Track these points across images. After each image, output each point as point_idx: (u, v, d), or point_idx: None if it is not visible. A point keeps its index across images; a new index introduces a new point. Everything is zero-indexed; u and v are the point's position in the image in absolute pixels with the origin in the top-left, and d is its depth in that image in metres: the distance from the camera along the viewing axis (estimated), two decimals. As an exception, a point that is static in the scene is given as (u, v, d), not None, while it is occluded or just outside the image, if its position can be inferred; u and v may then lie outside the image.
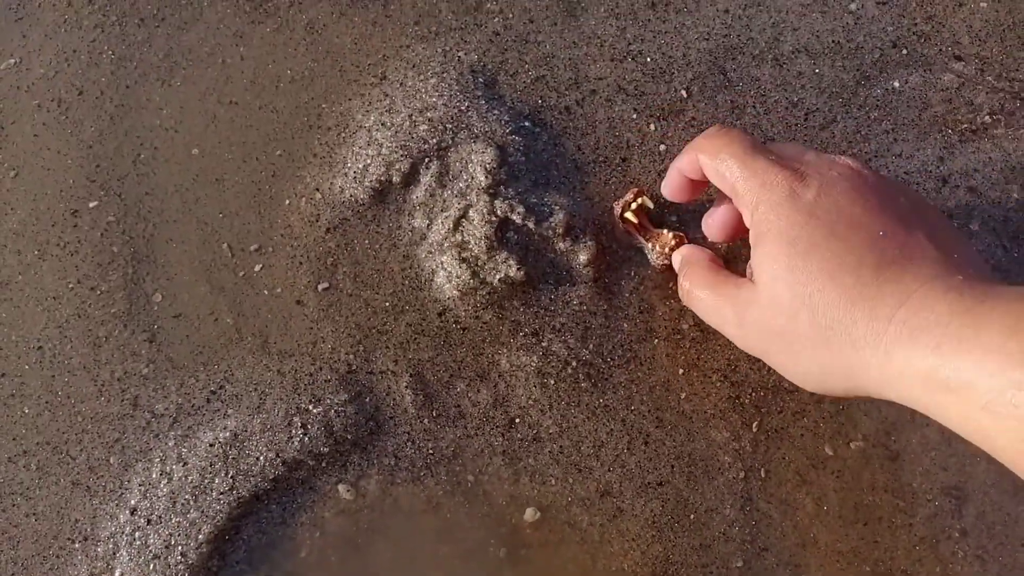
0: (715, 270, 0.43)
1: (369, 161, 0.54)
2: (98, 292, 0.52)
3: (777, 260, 0.34)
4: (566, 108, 0.56)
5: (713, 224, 0.48)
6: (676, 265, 0.50)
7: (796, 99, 0.57)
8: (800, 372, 0.36)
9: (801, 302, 0.33)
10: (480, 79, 0.56)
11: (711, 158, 0.40)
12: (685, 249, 0.50)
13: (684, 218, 0.54)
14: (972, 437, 0.32)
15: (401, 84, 0.56)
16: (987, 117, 0.57)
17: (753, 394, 0.52)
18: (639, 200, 0.52)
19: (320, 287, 0.53)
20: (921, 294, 0.31)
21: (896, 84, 0.58)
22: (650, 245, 0.53)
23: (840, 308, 0.32)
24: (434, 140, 0.53)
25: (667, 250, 0.52)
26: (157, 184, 0.55)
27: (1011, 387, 0.27)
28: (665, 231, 0.52)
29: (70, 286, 0.52)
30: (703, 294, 0.43)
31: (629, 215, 0.52)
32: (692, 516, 0.50)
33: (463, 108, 0.54)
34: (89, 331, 0.52)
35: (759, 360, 0.48)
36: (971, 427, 0.30)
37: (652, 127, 0.56)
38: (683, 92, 0.57)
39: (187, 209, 0.54)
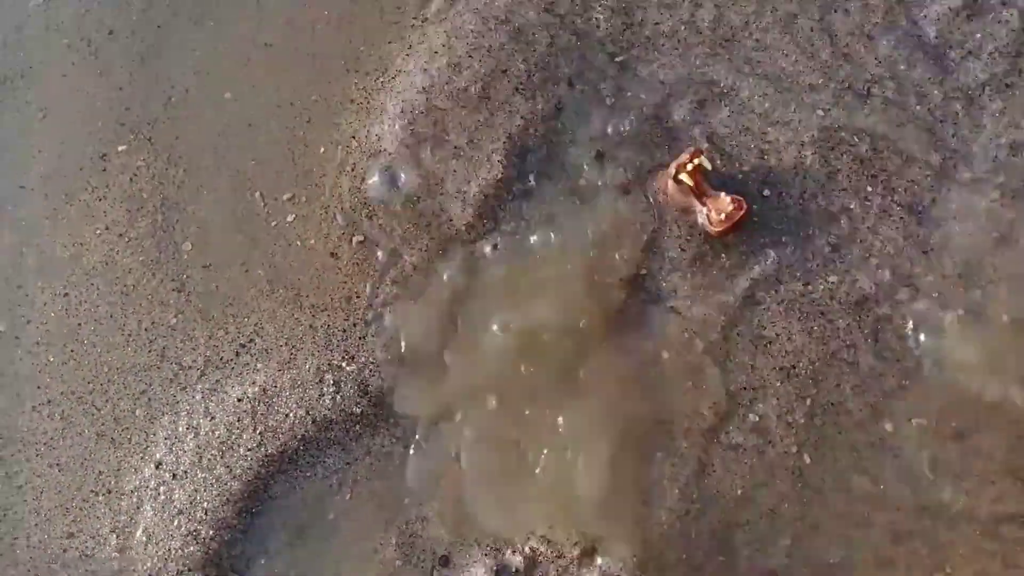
0: None
1: (409, 109, 0.51)
2: (126, 239, 0.50)
3: None
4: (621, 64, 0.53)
5: None
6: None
7: None
8: None
9: None
10: (527, 25, 0.53)
11: None
12: None
13: (742, 181, 0.51)
14: None
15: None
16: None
17: (809, 366, 0.49)
18: (696, 160, 0.50)
19: (355, 240, 0.50)
20: None
21: None
22: (705, 208, 0.50)
23: None
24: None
25: (723, 215, 0.49)
26: (188, 129, 0.52)
27: None
28: (723, 194, 0.50)
29: (98, 232, 0.51)
30: None
31: (684, 176, 0.50)
32: (740, 491, 0.48)
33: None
34: (116, 279, 0.50)
35: (816, 330, 0.45)
36: None
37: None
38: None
39: (219, 156, 0.52)
